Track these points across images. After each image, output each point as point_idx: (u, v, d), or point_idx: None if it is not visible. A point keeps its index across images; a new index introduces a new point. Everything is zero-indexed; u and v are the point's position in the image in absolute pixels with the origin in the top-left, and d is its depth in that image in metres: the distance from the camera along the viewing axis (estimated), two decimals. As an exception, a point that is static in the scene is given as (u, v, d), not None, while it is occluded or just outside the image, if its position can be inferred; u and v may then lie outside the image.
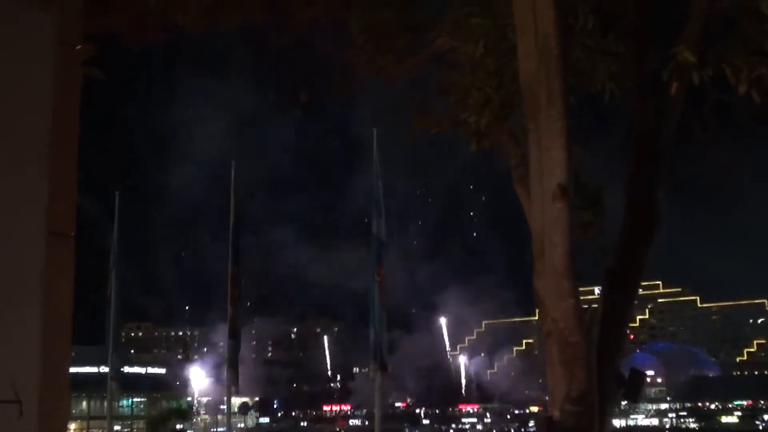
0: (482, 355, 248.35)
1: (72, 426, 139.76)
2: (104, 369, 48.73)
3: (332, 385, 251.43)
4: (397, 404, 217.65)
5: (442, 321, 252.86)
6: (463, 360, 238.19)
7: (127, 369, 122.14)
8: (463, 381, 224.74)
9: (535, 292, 9.97)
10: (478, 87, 11.91)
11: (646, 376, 12.33)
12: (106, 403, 59.20)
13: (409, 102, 13.97)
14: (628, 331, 11.65)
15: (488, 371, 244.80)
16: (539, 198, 9.91)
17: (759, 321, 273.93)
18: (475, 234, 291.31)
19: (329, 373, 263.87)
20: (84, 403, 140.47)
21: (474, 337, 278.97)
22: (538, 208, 9.94)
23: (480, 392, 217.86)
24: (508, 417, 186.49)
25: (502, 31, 11.51)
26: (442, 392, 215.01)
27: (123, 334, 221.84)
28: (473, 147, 12.37)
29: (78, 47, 6.72)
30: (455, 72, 12.60)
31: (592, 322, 10.18)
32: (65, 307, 6.27)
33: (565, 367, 9.58)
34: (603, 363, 10.27)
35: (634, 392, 11.36)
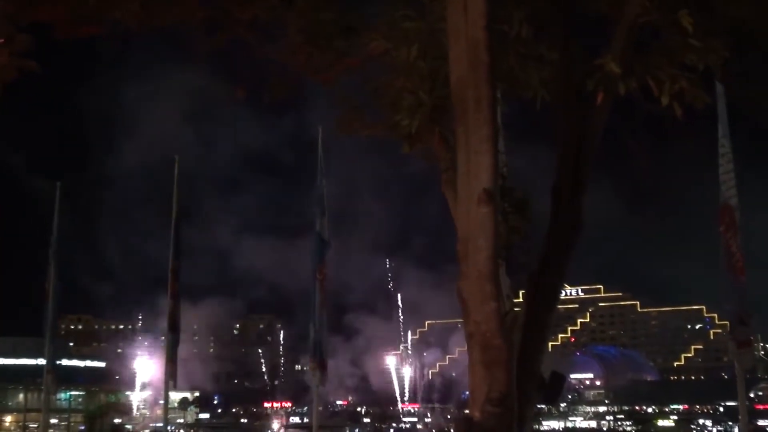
0: (424, 354, 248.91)
1: (8, 418, 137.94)
2: (42, 361, 48.20)
3: (274, 381, 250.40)
4: (339, 402, 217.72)
5: (385, 321, 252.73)
6: (404, 359, 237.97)
7: (65, 362, 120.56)
8: (406, 381, 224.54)
9: (458, 293, 10.10)
10: (411, 90, 12.00)
11: (566, 379, 12.51)
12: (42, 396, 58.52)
13: (343, 104, 14.01)
14: (549, 335, 11.77)
15: (429, 371, 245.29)
16: (465, 201, 10.04)
17: (697, 327, 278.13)
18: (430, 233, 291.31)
19: (272, 369, 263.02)
20: (21, 396, 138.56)
21: (417, 336, 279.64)
22: (464, 212, 10.08)
23: (423, 391, 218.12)
24: (448, 417, 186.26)
25: (436, 35, 11.61)
26: (385, 391, 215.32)
27: (63, 326, 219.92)
28: (405, 149, 12.49)
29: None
30: (389, 75, 12.68)
31: (513, 325, 10.35)
32: None
33: (486, 368, 9.71)
34: (523, 365, 10.44)
35: (554, 395, 11.54)
